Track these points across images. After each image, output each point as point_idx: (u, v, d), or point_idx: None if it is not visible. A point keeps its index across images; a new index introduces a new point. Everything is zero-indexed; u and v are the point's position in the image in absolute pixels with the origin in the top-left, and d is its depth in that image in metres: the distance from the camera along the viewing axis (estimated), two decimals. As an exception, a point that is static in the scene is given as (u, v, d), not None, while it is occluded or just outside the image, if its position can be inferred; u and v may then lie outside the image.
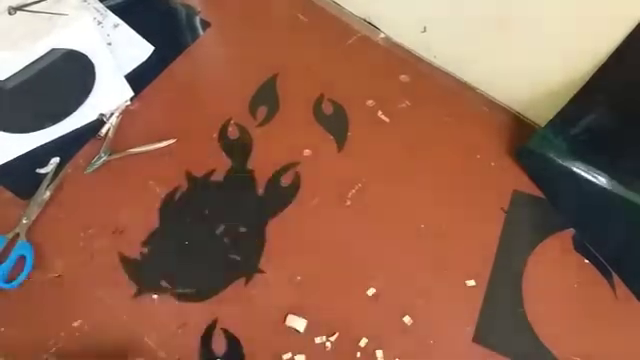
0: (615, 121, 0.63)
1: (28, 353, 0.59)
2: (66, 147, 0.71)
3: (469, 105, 0.76)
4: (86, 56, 0.66)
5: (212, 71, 0.79)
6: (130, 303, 0.62)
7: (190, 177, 0.69)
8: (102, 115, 0.72)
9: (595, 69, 0.60)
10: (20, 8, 0.61)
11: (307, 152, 0.72)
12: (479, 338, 0.61)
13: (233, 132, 0.73)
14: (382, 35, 0.81)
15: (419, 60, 0.79)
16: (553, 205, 0.69)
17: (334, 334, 0.61)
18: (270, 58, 0.79)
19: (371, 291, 0.63)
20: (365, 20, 0.82)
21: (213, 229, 0.66)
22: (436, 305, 0.63)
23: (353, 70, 0.78)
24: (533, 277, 0.64)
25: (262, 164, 0.71)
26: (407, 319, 0.62)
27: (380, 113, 0.75)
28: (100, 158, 0.70)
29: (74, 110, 0.70)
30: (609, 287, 0.64)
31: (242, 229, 0.67)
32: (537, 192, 0.70)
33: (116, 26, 0.78)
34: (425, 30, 0.75)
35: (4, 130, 0.66)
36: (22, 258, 0.63)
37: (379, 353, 0.60)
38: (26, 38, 0.60)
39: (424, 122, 0.74)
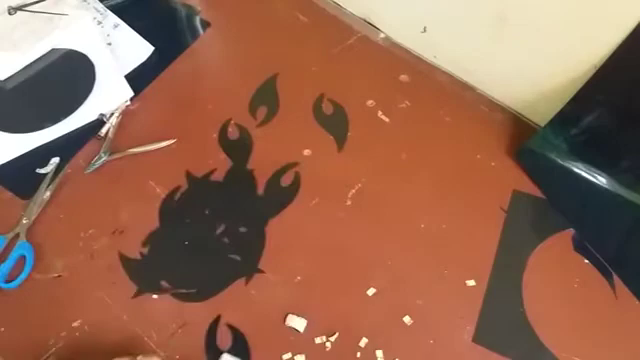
0: (615, 121, 0.63)
1: (28, 353, 0.59)
2: (66, 147, 0.71)
3: (469, 105, 0.76)
4: (86, 56, 0.66)
5: (212, 71, 0.79)
6: (130, 303, 0.62)
7: (190, 177, 0.69)
8: (102, 115, 0.72)
9: (595, 69, 0.60)
10: (20, 8, 0.61)
11: (307, 152, 0.72)
12: (479, 338, 0.61)
13: (233, 132, 0.73)
14: (382, 35, 0.81)
15: (419, 60, 0.79)
16: (553, 205, 0.69)
17: (334, 334, 0.61)
18: (270, 58, 0.79)
19: (371, 291, 0.63)
20: (365, 20, 0.82)
21: (213, 229, 0.66)
22: (436, 305, 0.63)
23: (353, 70, 0.78)
24: (533, 277, 0.64)
25: (262, 164, 0.71)
26: (407, 319, 0.62)
27: (380, 113, 0.75)
28: (100, 158, 0.70)
29: (74, 110, 0.70)
30: (609, 287, 0.64)
31: (242, 229, 0.67)
32: (537, 192, 0.70)
33: (116, 26, 0.78)
34: (425, 30, 0.75)
35: (4, 130, 0.66)
36: (22, 258, 0.63)
37: (379, 353, 0.60)
38: (26, 38, 0.60)
39: (424, 122, 0.74)
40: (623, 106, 0.62)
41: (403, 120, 0.74)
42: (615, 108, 0.62)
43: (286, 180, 0.70)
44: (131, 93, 0.74)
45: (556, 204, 0.69)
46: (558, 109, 0.66)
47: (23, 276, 0.62)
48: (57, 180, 0.68)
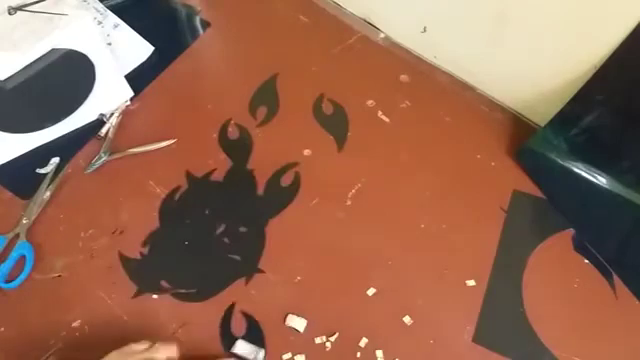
0: (615, 121, 0.63)
1: (28, 353, 0.59)
2: (66, 147, 0.71)
3: (469, 105, 0.76)
4: (86, 56, 0.66)
5: (212, 71, 0.79)
6: (130, 303, 0.62)
7: (190, 177, 0.69)
8: (102, 115, 0.72)
9: (595, 69, 0.60)
10: (20, 8, 0.61)
11: (307, 152, 0.72)
12: (479, 338, 0.61)
13: (233, 132, 0.73)
14: (382, 35, 0.81)
15: (419, 60, 0.79)
16: (553, 205, 0.69)
17: (334, 334, 0.61)
18: (270, 58, 0.79)
19: (371, 291, 0.63)
20: (365, 20, 0.82)
21: (213, 229, 0.66)
22: (436, 305, 0.63)
23: (353, 70, 0.78)
24: (533, 277, 0.64)
25: (262, 164, 0.71)
26: (407, 319, 0.62)
27: (380, 113, 0.75)
28: (100, 158, 0.70)
29: (74, 110, 0.70)
30: (609, 287, 0.64)
31: (242, 229, 0.67)
32: (537, 192, 0.70)
33: (116, 26, 0.78)
34: (425, 30, 0.75)
35: (4, 130, 0.66)
36: (22, 258, 0.63)
37: (379, 353, 0.60)
38: (26, 38, 0.60)
39: (424, 122, 0.74)
40: (623, 106, 0.62)
41: (403, 120, 0.74)
42: (615, 108, 0.62)
43: (286, 180, 0.70)
44: (131, 93, 0.74)
45: (556, 204, 0.69)
46: (558, 109, 0.66)
47: (23, 276, 0.62)
48: (57, 180, 0.68)
